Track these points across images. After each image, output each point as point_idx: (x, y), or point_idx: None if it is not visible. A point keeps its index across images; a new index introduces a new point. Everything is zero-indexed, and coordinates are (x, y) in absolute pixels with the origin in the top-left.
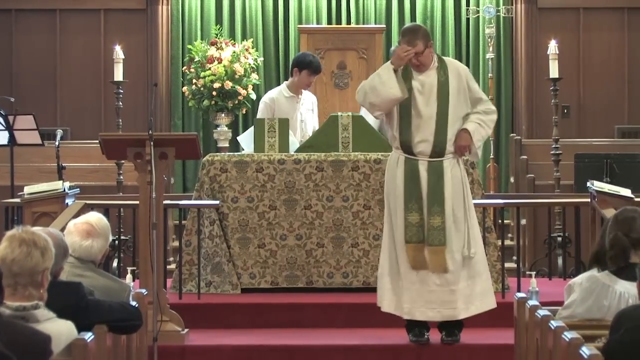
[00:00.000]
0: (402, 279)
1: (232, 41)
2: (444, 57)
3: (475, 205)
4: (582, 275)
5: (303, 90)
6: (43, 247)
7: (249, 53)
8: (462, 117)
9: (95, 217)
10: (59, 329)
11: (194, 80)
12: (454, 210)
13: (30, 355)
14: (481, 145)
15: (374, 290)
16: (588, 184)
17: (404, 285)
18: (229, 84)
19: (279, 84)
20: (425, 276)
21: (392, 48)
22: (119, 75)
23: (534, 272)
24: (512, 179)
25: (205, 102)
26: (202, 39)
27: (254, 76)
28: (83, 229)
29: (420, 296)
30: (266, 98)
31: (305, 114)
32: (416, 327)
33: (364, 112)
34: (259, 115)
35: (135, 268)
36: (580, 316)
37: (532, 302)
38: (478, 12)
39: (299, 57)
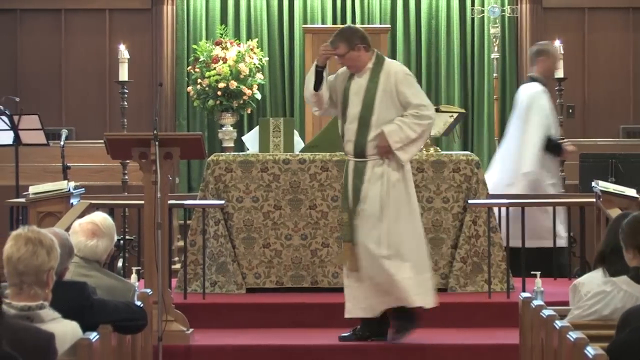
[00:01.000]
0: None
1: (237, 41)
2: (387, 60)
3: (480, 205)
4: (590, 276)
5: None
6: (49, 246)
7: (254, 53)
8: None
9: (100, 217)
10: (64, 329)
11: (199, 80)
12: (368, 209)
13: (35, 354)
14: (407, 148)
15: None
16: (593, 183)
17: (344, 283)
18: (234, 84)
19: (283, 84)
20: (360, 274)
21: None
22: (123, 75)
23: (539, 272)
24: None
25: (210, 102)
26: (207, 39)
27: (259, 76)
28: (88, 229)
29: (360, 293)
30: None
31: None
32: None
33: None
34: None
35: (140, 268)
36: (592, 318)
37: (537, 302)
38: (483, 12)
39: None
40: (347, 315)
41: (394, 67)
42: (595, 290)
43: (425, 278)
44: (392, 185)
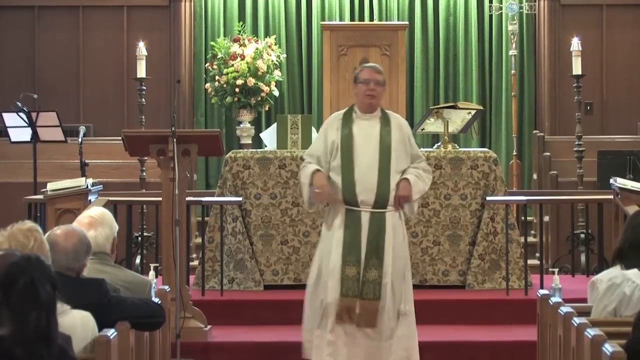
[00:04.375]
0: (328, 332)
1: (255, 38)
2: (387, 111)
3: (498, 202)
4: (607, 272)
5: None
6: (43, 235)
7: (272, 50)
8: (402, 172)
9: (96, 210)
10: (74, 321)
11: (217, 77)
12: (394, 264)
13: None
14: (418, 203)
15: None
16: (611, 180)
17: (328, 337)
18: (251, 81)
19: (301, 81)
20: (353, 329)
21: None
22: (141, 72)
23: (557, 269)
24: (535, 176)
25: (228, 99)
26: (225, 36)
27: (277, 73)
28: (85, 222)
29: (346, 348)
30: None
31: None
32: None
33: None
34: None
35: (158, 265)
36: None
37: (555, 298)
38: (501, 8)
39: None
40: None
41: (400, 118)
42: (629, 287)
43: None
44: (406, 239)
